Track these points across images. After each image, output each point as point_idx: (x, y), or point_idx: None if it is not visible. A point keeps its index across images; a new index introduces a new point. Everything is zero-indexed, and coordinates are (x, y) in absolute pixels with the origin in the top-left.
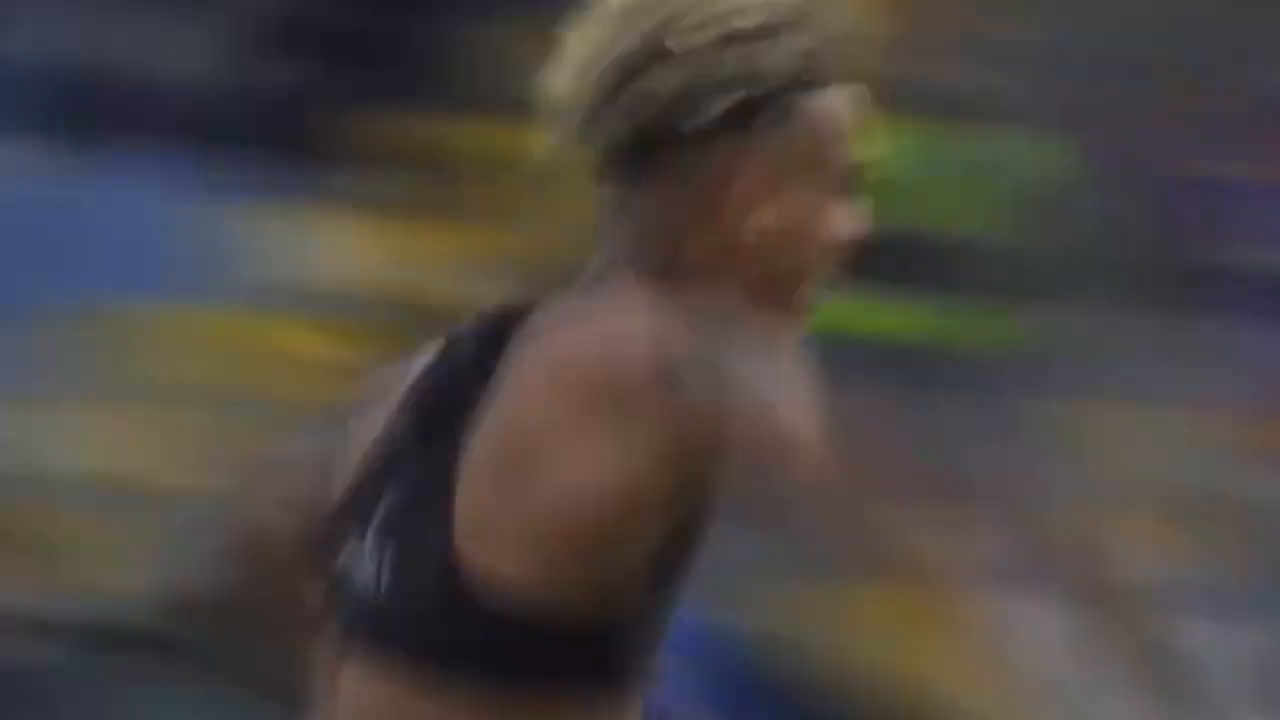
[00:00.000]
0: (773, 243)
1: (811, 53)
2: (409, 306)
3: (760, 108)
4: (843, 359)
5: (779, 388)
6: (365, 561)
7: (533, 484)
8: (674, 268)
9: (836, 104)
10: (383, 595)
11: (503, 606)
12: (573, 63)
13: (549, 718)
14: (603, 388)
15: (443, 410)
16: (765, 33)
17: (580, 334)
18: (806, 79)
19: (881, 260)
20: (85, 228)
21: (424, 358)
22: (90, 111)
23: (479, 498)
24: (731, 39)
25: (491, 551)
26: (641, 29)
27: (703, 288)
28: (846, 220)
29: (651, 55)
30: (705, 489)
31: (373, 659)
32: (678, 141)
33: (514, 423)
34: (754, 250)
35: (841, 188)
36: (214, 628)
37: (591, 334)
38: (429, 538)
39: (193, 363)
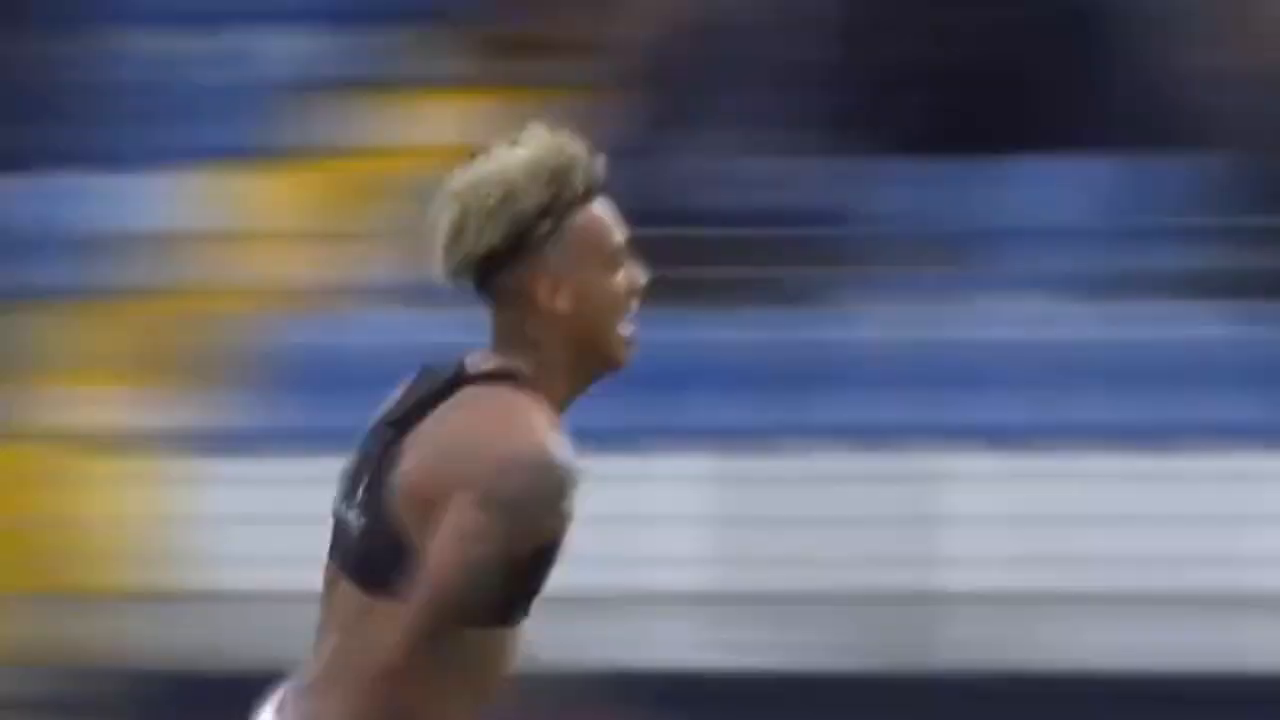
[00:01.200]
0: (580, 306)
1: (564, 185)
2: None
3: (542, 233)
4: None
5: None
6: (352, 519)
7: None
8: (528, 345)
9: (592, 213)
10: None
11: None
12: (436, 223)
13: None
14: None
15: (393, 427)
16: (532, 186)
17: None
18: (568, 202)
19: None
20: None
21: (407, 382)
22: None
23: (409, 503)
24: (509, 197)
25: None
26: (463, 201)
27: (544, 354)
28: (631, 276)
29: (466, 218)
30: None
31: (349, 582)
32: (500, 266)
33: (423, 472)
34: (569, 318)
35: (618, 258)
36: None
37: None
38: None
39: None
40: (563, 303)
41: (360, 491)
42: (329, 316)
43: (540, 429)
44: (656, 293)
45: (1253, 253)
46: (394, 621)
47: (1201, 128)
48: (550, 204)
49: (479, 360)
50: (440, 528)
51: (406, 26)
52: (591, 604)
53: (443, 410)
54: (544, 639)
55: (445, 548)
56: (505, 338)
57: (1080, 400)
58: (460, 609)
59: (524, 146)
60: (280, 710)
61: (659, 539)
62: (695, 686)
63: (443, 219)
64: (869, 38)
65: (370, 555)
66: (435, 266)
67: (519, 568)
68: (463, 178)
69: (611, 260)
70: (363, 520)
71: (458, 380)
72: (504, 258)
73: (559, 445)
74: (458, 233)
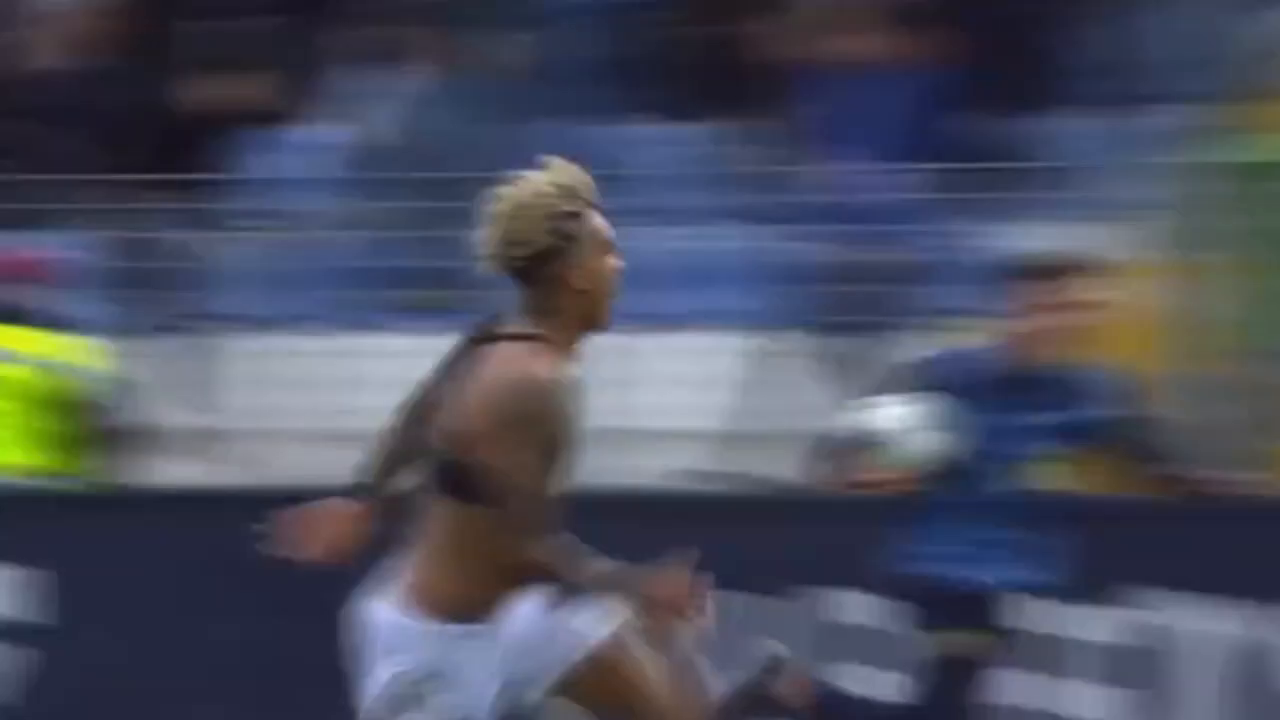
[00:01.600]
0: (594, 284)
1: (581, 196)
2: None
3: (570, 232)
4: None
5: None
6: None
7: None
8: (554, 312)
9: (596, 217)
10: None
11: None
12: (487, 231)
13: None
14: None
15: (435, 388)
16: (561, 202)
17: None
18: (586, 209)
19: None
20: None
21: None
22: None
23: (463, 434)
24: (551, 214)
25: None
26: (516, 215)
27: (564, 318)
28: (617, 264)
29: (522, 228)
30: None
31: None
32: (543, 257)
33: (465, 408)
34: (588, 292)
35: (610, 247)
36: None
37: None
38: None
39: None
40: (584, 282)
41: (434, 428)
42: None
43: (538, 366)
44: None
45: None
46: (481, 523)
47: None
48: (578, 211)
49: (512, 327)
50: (490, 449)
51: None
52: None
53: (481, 364)
54: None
55: (499, 466)
56: (538, 308)
57: None
58: (536, 502)
59: (546, 171)
60: (391, 596)
61: None
62: None
63: (497, 230)
64: None
65: (445, 474)
66: (488, 263)
67: (550, 458)
68: (506, 199)
69: (609, 249)
70: (439, 450)
71: (491, 339)
72: (550, 252)
73: (550, 374)
74: (516, 239)
